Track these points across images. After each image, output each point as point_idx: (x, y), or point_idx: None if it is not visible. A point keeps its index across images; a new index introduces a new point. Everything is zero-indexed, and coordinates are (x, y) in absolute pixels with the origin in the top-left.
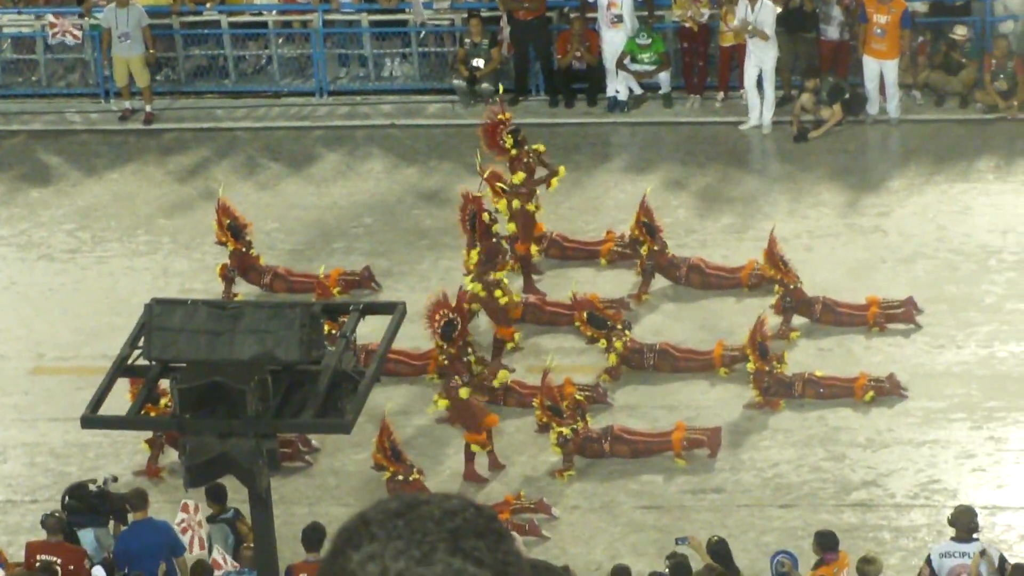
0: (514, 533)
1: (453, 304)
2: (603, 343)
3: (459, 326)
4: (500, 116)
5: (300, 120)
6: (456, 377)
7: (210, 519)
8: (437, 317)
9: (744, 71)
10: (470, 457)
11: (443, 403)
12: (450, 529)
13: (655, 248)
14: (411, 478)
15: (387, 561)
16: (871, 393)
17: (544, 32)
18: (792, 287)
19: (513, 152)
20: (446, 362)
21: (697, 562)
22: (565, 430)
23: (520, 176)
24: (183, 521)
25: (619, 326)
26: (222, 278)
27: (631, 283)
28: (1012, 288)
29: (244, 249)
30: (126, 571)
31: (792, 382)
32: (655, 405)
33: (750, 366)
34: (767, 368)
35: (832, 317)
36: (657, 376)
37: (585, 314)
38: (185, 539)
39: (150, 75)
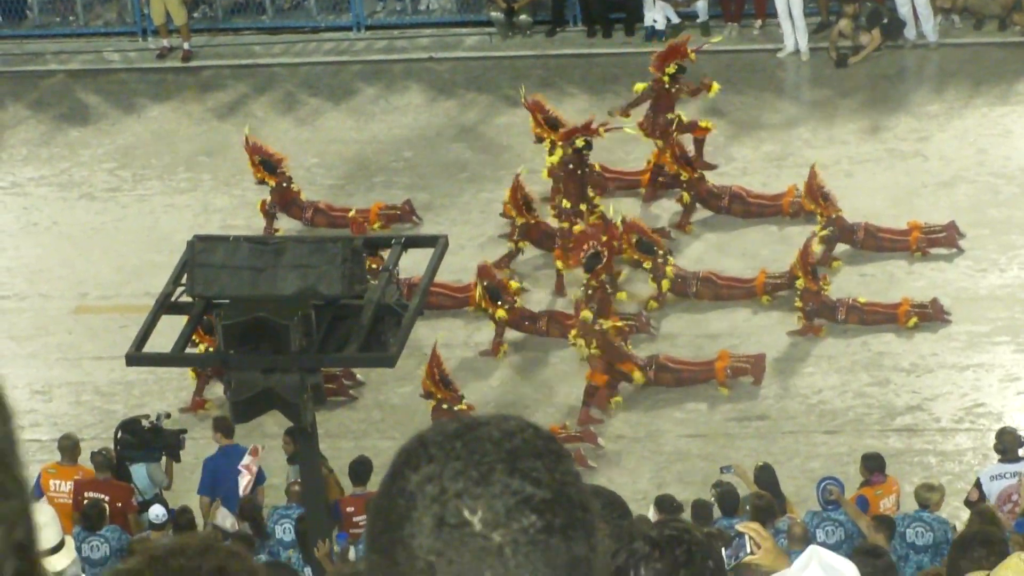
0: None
1: (604, 237)
2: (648, 264)
3: (604, 259)
4: (689, 51)
5: (338, 55)
6: (588, 307)
7: (290, 459)
8: (585, 247)
9: None
10: (591, 395)
11: (581, 341)
12: (508, 450)
13: (695, 176)
14: (457, 407)
15: (445, 482)
16: (914, 319)
17: None
18: (834, 217)
19: (666, 80)
20: (587, 293)
21: (743, 490)
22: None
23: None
24: (248, 465)
25: (663, 251)
26: (263, 214)
27: (671, 212)
28: None
29: (284, 184)
30: (212, 493)
31: (836, 305)
32: (698, 333)
33: (799, 283)
34: (816, 287)
35: (874, 243)
36: (700, 304)
37: (635, 238)
38: (242, 483)
39: (187, 13)
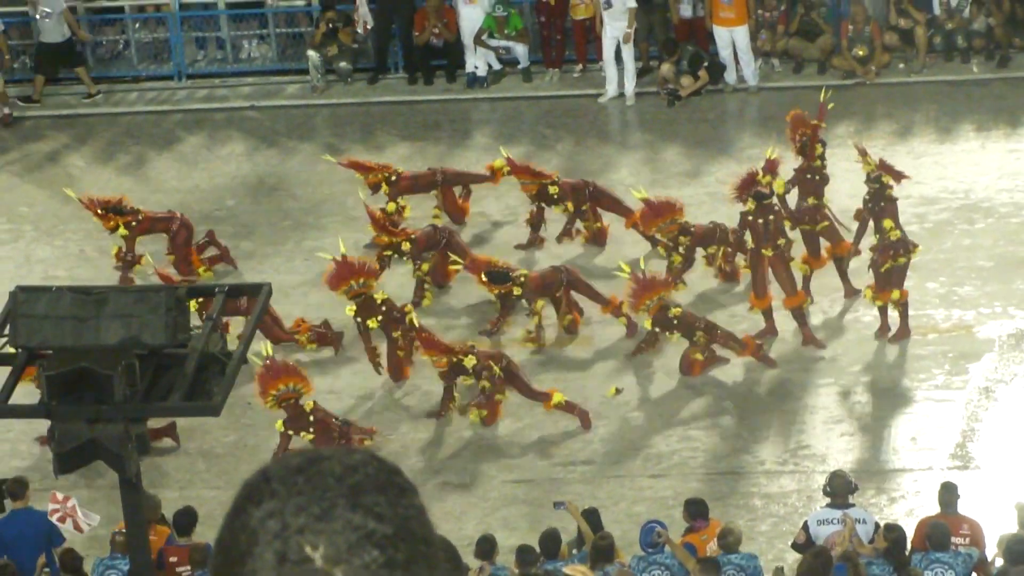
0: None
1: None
2: (518, 291)
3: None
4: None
5: (159, 104)
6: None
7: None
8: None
9: (602, 44)
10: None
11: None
12: (351, 485)
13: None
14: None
15: (287, 517)
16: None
17: (408, 7)
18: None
19: (799, 157)
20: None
21: (568, 535)
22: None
23: (780, 184)
24: (56, 511)
25: (521, 274)
26: (120, 260)
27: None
28: None
29: (139, 218)
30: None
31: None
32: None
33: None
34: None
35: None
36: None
37: (483, 274)
38: (67, 527)
39: (3, 80)
